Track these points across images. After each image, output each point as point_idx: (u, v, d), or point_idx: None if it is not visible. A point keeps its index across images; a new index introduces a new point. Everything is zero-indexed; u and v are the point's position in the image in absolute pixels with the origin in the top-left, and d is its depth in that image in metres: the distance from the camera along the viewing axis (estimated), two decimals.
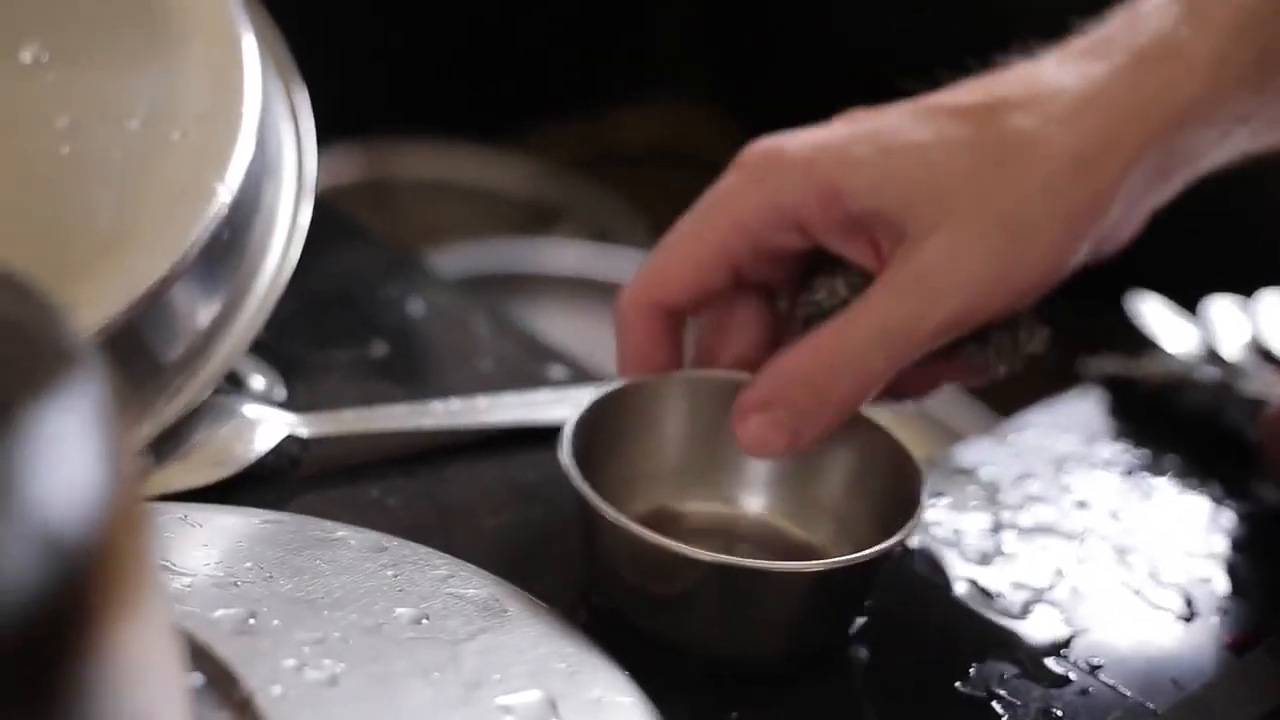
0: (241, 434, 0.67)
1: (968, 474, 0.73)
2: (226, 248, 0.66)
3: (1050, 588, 0.66)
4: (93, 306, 0.61)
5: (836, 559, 0.61)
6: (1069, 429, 0.77)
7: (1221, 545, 0.71)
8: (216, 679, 0.48)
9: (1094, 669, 0.62)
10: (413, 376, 0.77)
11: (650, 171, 1.62)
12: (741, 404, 0.63)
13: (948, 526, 0.69)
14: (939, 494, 0.71)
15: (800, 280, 0.66)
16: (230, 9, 0.70)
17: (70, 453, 0.34)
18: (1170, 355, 0.80)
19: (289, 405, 0.70)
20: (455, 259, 1.24)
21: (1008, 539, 0.69)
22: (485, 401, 0.72)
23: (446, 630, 0.54)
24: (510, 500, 0.68)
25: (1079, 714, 0.60)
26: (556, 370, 0.77)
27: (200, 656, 0.48)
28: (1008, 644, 0.63)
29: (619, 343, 0.66)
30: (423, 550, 0.60)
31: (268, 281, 0.68)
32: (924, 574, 0.66)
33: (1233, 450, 0.76)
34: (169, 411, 0.64)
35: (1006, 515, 0.70)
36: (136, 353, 0.63)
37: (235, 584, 0.55)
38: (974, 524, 0.69)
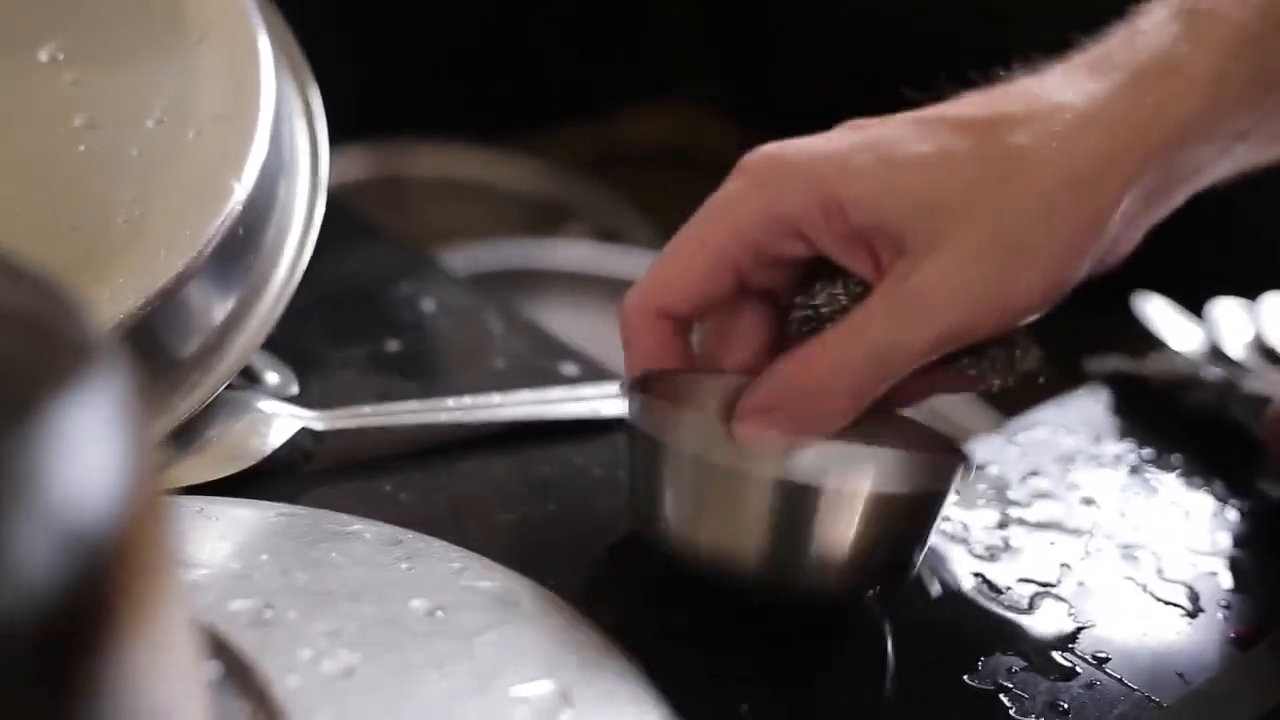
0: (256, 428, 0.67)
1: (976, 470, 0.73)
2: (241, 245, 0.66)
3: (1057, 582, 0.67)
4: (109, 303, 0.61)
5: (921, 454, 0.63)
6: (1076, 427, 0.77)
7: (1226, 541, 0.71)
8: (234, 670, 0.49)
9: (1100, 663, 0.63)
10: (425, 372, 0.77)
11: (657, 171, 1.62)
12: (741, 407, 0.63)
13: (956, 522, 0.70)
14: None
15: (803, 287, 0.66)
16: (246, 9, 0.71)
17: (91, 447, 0.34)
18: (1176, 354, 0.80)
19: (302, 401, 0.71)
20: (464, 257, 1.24)
21: (1016, 534, 0.69)
22: (498, 397, 0.72)
23: (460, 623, 0.55)
24: (523, 494, 0.69)
25: (1085, 707, 0.61)
26: (568, 367, 0.78)
27: (218, 648, 0.49)
28: (1015, 638, 0.64)
29: (626, 349, 0.66)
30: (437, 543, 0.60)
31: (282, 278, 0.69)
32: (933, 569, 0.67)
33: (1237, 447, 0.76)
34: (184, 406, 0.64)
35: (1014, 511, 0.71)
36: (152, 348, 0.63)
37: (251, 576, 0.55)
38: (982, 520, 0.70)
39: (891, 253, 0.62)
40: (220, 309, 0.66)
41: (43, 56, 0.69)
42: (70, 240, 0.64)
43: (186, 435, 0.65)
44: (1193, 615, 0.66)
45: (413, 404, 0.71)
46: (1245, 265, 0.89)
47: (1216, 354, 0.80)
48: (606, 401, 0.74)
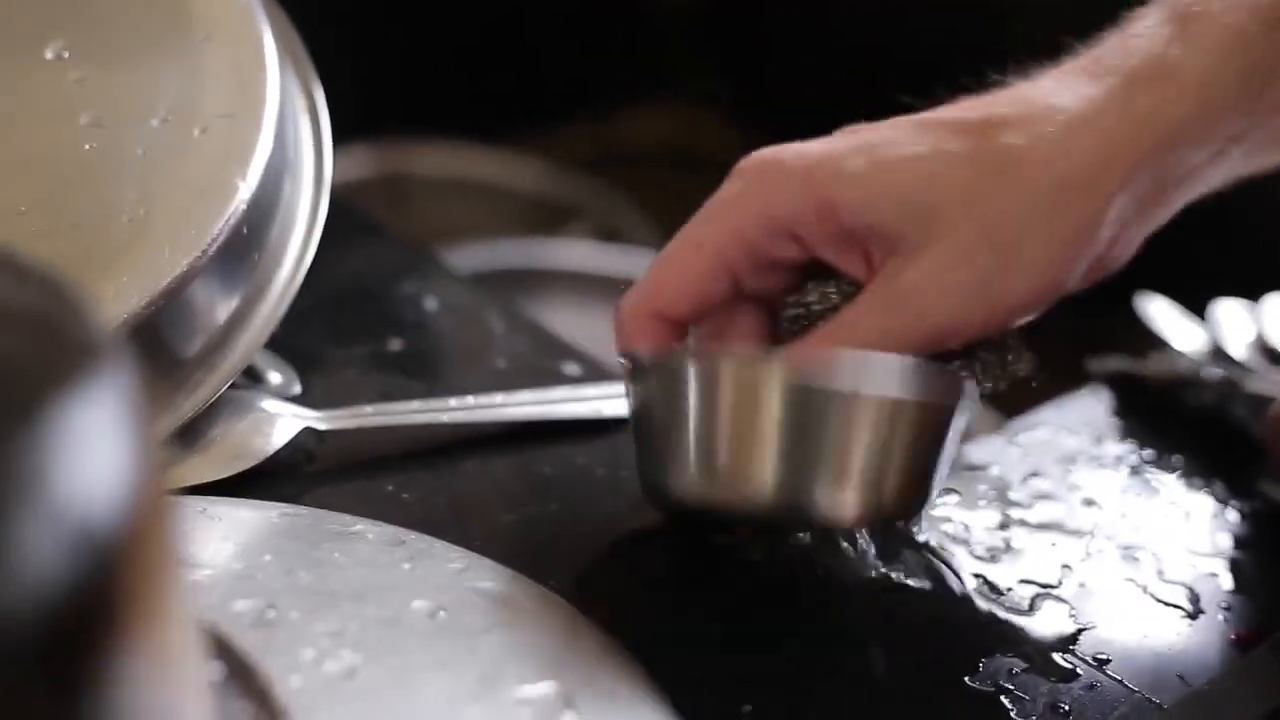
0: (259, 428, 0.67)
1: (977, 471, 0.73)
2: (246, 244, 0.67)
3: (1058, 584, 0.67)
4: (113, 302, 0.62)
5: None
6: (1077, 428, 0.78)
7: (1227, 543, 0.71)
8: (236, 670, 0.49)
9: (1101, 664, 0.63)
10: (428, 372, 0.77)
11: (657, 170, 1.62)
12: None
13: (957, 523, 0.70)
14: (949, 490, 0.71)
15: (797, 289, 0.66)
16: (250, 7, 0.71)
17: (97, 446, 0.35)
18: (1178, 353, 0.80)
19: (305, 400, 0.71)
20: (467, 256, 1.24)
21: (1016, 535, 0.69)
22: (501, 397, 0.73)
23: (463, 623, 0.55)
24: (525, 494, 0.69)
25: (1086, 708, 0.61)
26: (570, 366, 0.78)
27: (221, 648, 0.49)
28: (1016, 639, 0.64)
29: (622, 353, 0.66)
30: (439, 544, 0.60)
31: (286, 277, 0.69)
32: (933, 570, 0.67)
33: (1238, 448, 0.76)
34: (187, 406, 0.65)
35: (1015, 512, 0.71)
36: (156, 347, 0.64)
37: (254, 577, 0.55)
38: (983, 520, 0.70)
39: (884, 253, 0.62)
40: (224, 308, 0.66)
41: (48, 55, 0.69)
42: (74, 238, 0.64)
43: (190, 434, 0.65)
44: (1193, 617, 0.67)
45: (415, 404, 0.71)
46: (1247, 266, 0.90)
47: (1218, 354, 0.80)
48: (609, 401, 0.74)
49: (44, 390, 0.35)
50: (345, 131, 0.77)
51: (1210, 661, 0.65)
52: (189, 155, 0.66)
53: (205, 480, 0.65)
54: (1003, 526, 0.70)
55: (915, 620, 0.64)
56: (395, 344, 0.78)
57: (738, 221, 0.64)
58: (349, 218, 0.84)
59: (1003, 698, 0.61)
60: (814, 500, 0.61)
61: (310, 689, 0.49)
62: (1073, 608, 0.66)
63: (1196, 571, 0.69)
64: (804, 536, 0.67)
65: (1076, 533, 0.70)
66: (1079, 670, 0.62)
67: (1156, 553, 0.70)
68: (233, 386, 0.67)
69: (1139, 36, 0.64)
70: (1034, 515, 0.71)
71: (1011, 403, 0.78)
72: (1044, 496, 0.72)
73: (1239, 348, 0.80)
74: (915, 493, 0.63)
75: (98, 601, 0.33)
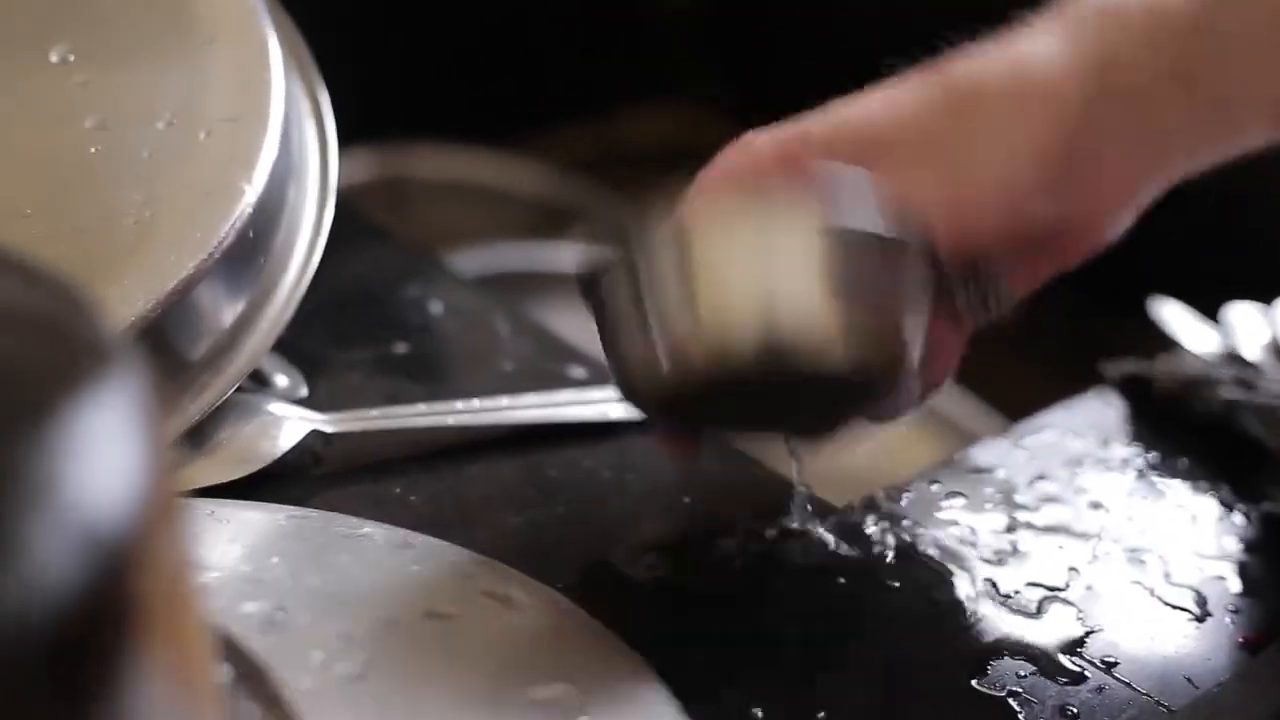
0: (266, 431, 0.67)
1: (984, 474, 0.73)
2: (252, 247, 0.67)
3: (1065, 587, 0.67)
4: (119, 305, 0.62)
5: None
6: (1084, 431, 0.77)
7: (1235, 545, 0.71)
8: (246, 673, 0.49)
9: (1109, 667, 0.63)
10: (433, 375, 0.77)
11: (660, 172, 1.62)
12: None
13: (964, 526, 0.69)
14: (955, 494, 0.71)
15: None
16: (255, 10, 0.71)
17: (107, 449, 0.35)
18: (1192, 354, 0.80)
19: (311, 403, 0.71)
20: (470, 260, 1.24)
21: (1023, 538, 0.69)
22: (506, 400, 0.72)
23: (472, 626, 0.55)
24: (532, 497, 0.69)
25: (1094, 712, 0.61)
26: (575, 369, 0.78)
27: (230, 650, 0.49)
28: (1023, 642, 0.64)
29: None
30: (447, 547, 0.60)
31: (292, 280, 0.69)
32: (940, 572, 0.67)
33: (1245, 451, 0.76)
34: (194, 409, 0.65)
35: (1022, 515, 0.71)
36: (162, 351, 0.64)
37: (263, 579, 0.56)
38: (990, 524, 0.70)
39: None
40: (230, 311, 0.66)
41: (53, 58, 0.69)
42: (80, 241, 0.64)
43: (196, 438, 0.65)
44: (1201, 619, 0.66)
45: (421, 407, 0.71)
46: (1260, 270, 0.89)
47: (1232, 357, 0.80)
48: (615, 404, 0.74)
49: (53, 393, 0.35)
50: (347, 135, 0.76)
51: (1218, 664, 0.64)
52: (194, 158, 0.66)
53: (212, 483, 0.65)
54: (1009, 529, 0.70)
55: (923, 623, 0.64)
56: (401, 347, 0.78)
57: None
58: (353, 221, 0.83)
59: (1011, 701, 0.61)
60: (792, 345, 0.59)
61: (320, 691, 0.49)
62: (1080, 611, 0.66)
63: (1204, 574, 0.69)
64: (825, 537, 0.67)
65: (1083, 536, 0.70)
66: (1087, 673, 0.62)
67: (1164, 555, 0.69)
68: (239, 390, 0.67)
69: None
70: (1041, 518, 0.71)
71: (1018, 405, 0.78)
72: (1051, 499, 0.72)
73: (1253, 350, 0.80)
74: (891, 345, 0.61)
75: (107, 605, 0.33)
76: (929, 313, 0.63)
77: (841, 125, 0.64)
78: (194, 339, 0.65)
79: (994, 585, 0.66)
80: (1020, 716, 0.60)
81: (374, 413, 0.70)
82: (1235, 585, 0.68)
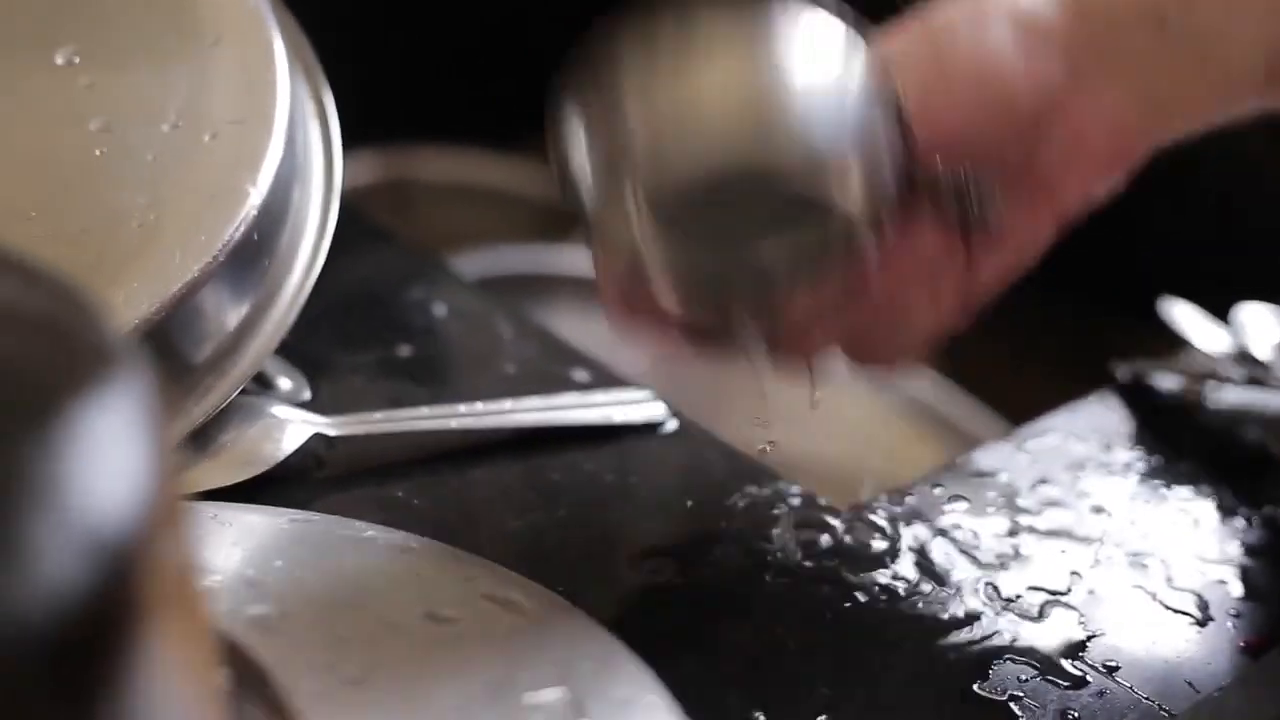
0: (269, 433, 0.67)
1: (986, 478, 0.73)
2: (256, 249, 0.67)
3: (1067, 591, 0.67)
4: (124, 307, 0.62)
5: None
6: (1086, 434, 0.77)
7: (1236, 550, 0.71)
8: (249, 676, 0.49)
9: (1111, 671, 0.63)
10: (436, 378, 0.77)
11: None
12: None
13: (966, 529, 0.70)
14: (958, 497, 0.71)
15: None
16: (260, 13, 0.71)
17: (112, 452, 0.35)
18: (1203, 353, 0.80)
19: (314, 406, 0.71)
20: (473, 262, 1.24)
21: (1025, 542, 0.69)
22: (509, 403, 0.73)
23: (474, 629, 0.55)
24: (534, 501, 0.69)
25: (1096, 716, 0.61)
26: (578, 373, 0.78)
27: (233, 654, 0.49)
28: (1025, 646, 0.64)
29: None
30: (449, 550, 0.60)
31: (296, 283, 0.69)
32: (942, 576, 0.67)
33: (1248, 456, 0.76)
34: (198, 412, 0.65)
35: (1024, 519, 0.71)
36: (166, 353, 0.64)
37: (266, 583, 0.56)
38: (992, 527, 0.70)
39: None
40: (234, 314, 0.66)
41: (58, 60, 0.69)
42: (84, 243, 0.64)
43: (200, 440, 0.65)
44: (1202, 624, 0.67)
45: (424, 410, 0.71)
46: (1262, 272, 0.90)
47: (1243, 356, 0.80)
48: (617, 408, 0.74)
49: (58, 395, 0.35)
50: (350, 137, 0.77)
51: (1219, 668, 0.65)
52: (199, 161, 0.67)
53: (215, 486, 0.65)
54: (1012, 533, 0.70)
55: (925, 626, 0.64)
56: (404, 350, 0.78)
57: None
58: (356, 224, 0.83)
59: (1012, 704, 0.61)
60: (762, 145, 0.59)
61: (322, 694, 0.49)
62: (1082, 615, 0.66)
63: (1205, 578, 0.69)
64: (827, 541, 0.67)
65: (1086, 540, 0.70)
66: (1088, 677, 0.62)
67: (1166, 560, 0.70)
68: (242, 392, 0.67)
69: None
70: (1043, 522, 0.71)
71: (1020, 409, 0.78)
72: (1053, 503, 0.72)
73: (1263, 349, 0.80)
74: (872, 173, 0.60)
75: (111, 607, 0.33)
76: (909, 199, 0.62)
77: None
78: (198, 341, 0.65)
79: (996, 589, 0.66)
80: None
81: (377, 416, 0.70)
82: (1237, 590, 0.69)
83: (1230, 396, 0.79)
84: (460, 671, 0.52)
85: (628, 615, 0.62)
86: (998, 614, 0.65)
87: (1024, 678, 0.62)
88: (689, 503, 0.70)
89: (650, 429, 0.74)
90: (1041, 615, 0.65)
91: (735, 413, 0.69)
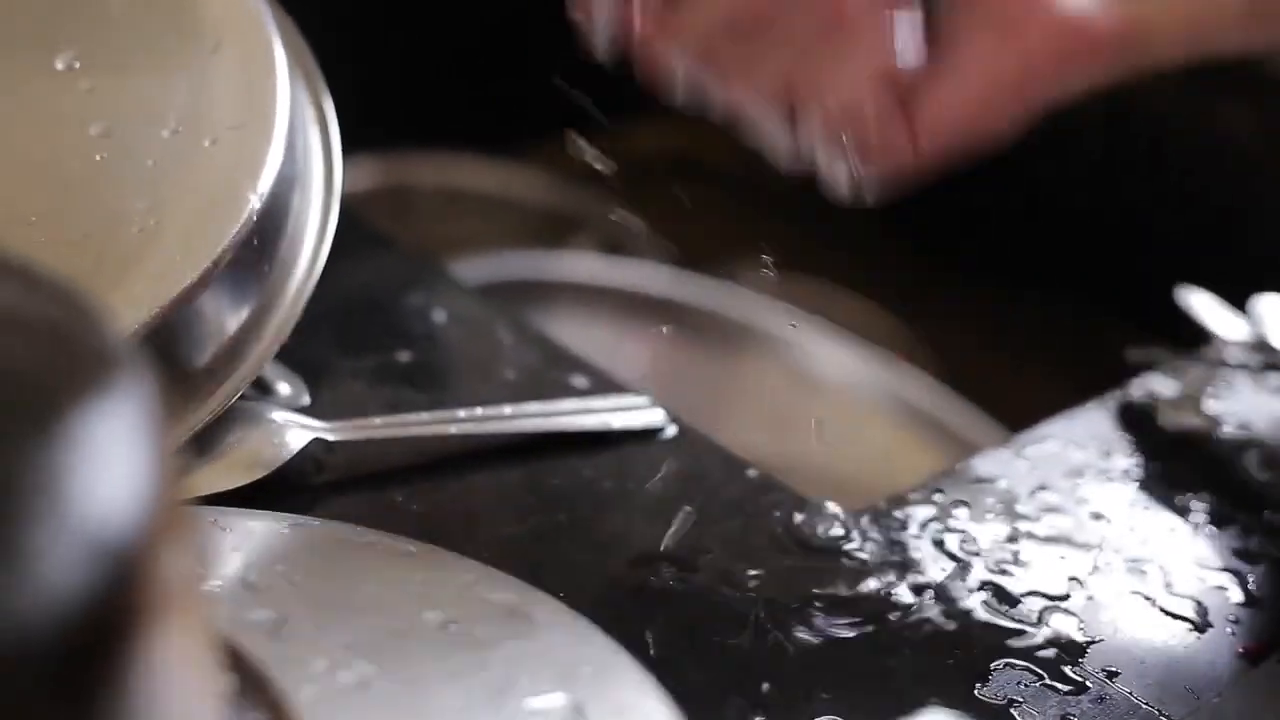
0: (268, 439, 0.67)
1: (986, 484, 0.73)
2: (256, 254, 0.67)
3: (1067, 596, 0.67)
4: (124, 311, 0.62)
5: None
6: (1085, 441, 0.78)
7: (1235, 556, 0.71)
8: (250, 681, 0.49)
9: (1110, 677, 0.63)
10: (435, 383, 0.77)
11: (663, 183, 1.62)
12: None
13: (966, 535, 0.70)
14: (957, 503, 0.71)
15: None
16: (260, 18, 0.71)
17: (114, 456, 0.35)
18: (1222, 339, 0.81)
19: (313, 411, 0.71)
20: (473, 268, 1.24)
21: (1025, 548, 0.69)
22: (509, 408, 0.73)
23: (474, 635, 0.55)
24: (534, 506, 0.69)
25: None
26: (578, 379, 0.78)
27: (234, 659, 0.49)
28: (1025, 652, 0.64)
29: None
30: (449, 555, 0.60)
31: (296, 288, 0.69)
32: (942, 581, 0.67)
33: (1247, 462, 0.76)
34: (198, 416, 0.65)
35: (1024, 525, 0.71)
36: (166, 358, 0.64)
37: (266, 588, 0.56)
38: (992, 533, 0.70)
39: None
40: (234, 319, 0.66)
41: (59, 65, 0.69)
42: (85, 248, 0.64)
43: (200, 445, 0.65)
44: (1201, 630, 0.67)
45: (423, 415, 0.71)
46: (1264, 273, 0.90)
47: (1260, 345, 0.81)
48: (617, 414, 0.74)
49: (59, 399, 0.35)
50: (350, 142, 0.77)
51: (1218, 674, 0.65)
52: (200, 166, 0.67)
53: (215, 491, 0.65)
54: (1011, 539, 0.70)
55: (925, 632, 0.65)
56: (404, 355, 0.78)
57: None
58: (356, 229, 0.83)
59: (1012, 710, 0.61)
60: None
61: (323, 700, 0.49)
62: (1081, 621, 0.66)
63: (1204, 585, 0.69)
64: (827, 546, 0.67)
65: (1085, 546, 0.70)
66: (1088, 683, 0.62)
67: (1165, 566, 0.70)
68: (242, 397, 0.67)
69: None
70: (1042, 528, 0.71)
71: (1020, 416, 0.79)
72: (1052, 509, 0.72)
73: None
74: None
75: (113, 611, 0.33)
76: None
77: None
78: (198, 346, 0.65)
79: (996, 594, 0.67)
80: None
81: (376, 421, 0.70)
82: (1236, 595, 0.69)
83: (1229, 404, 0.79)
84: (460, 677, 0.52)
85: (628, 620, 0.62)
86: (997, 619, 0.65)
87: (1024, 683, 0.62)
88: (688, 508, 0.70)
89: (649, 435, 0.74)
90: (1041, 621, 0.66)
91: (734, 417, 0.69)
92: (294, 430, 0.68)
